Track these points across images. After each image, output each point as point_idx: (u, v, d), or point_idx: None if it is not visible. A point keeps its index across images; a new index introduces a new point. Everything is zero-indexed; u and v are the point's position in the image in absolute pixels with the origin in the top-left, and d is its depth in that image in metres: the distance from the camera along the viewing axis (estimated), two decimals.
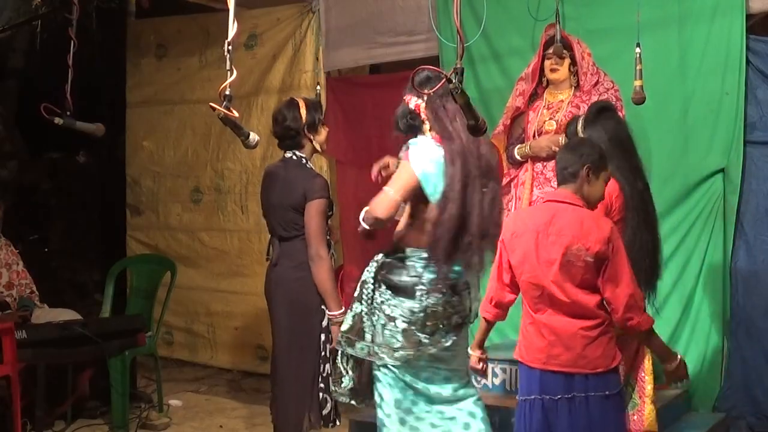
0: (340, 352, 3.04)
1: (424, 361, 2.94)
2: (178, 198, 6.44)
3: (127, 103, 6.63)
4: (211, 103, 2.50)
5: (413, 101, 3.06)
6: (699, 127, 4.35)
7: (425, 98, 2.97)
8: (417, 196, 2.93)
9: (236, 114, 2.52)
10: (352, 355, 3.03)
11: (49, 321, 4.34)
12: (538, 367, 2.86)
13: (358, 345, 2.97)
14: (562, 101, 4.11)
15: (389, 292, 2.95)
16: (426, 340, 2.90)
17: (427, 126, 3.03)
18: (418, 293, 2.90)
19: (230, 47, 2.45)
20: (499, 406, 3.74)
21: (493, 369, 4.17)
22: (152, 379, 5.23)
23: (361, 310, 3.00)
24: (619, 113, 3.97)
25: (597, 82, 4.07)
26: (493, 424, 3.13)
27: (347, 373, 3.06)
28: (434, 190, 2.89)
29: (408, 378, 2.95)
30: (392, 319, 2.92)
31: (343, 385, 3.07)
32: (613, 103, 4.00)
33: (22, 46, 6.08)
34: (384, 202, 2.93)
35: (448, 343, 2.92)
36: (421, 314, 2.89)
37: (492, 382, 4.25)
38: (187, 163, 6.37)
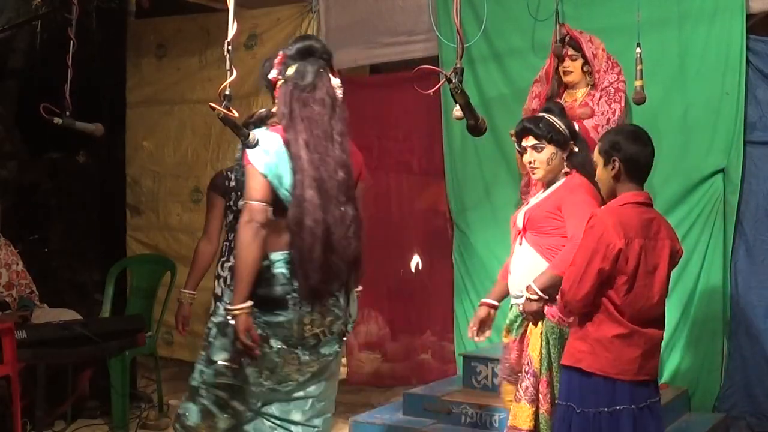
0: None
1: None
2: (178, 198, 6.44)
3: (127, 103, 6.62)
4: (211, 103, 2.50)
5: (273, 72, 2.80)
6: (699, 127, 4.35)
7: (284, 80, 2.75)
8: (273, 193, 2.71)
9: (236, 114, 2.52)
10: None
11: (49, 321, 4.34)
12: (629, 378, 2.74)
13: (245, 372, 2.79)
14: (576, 100, 4.13)
15: (256, 309, 2.69)
16: (306, 357, 2.76)
17: (273, 109, 2.84)
18: (289, 302, 2.70)
19: (230, 47, 2.45)
20: (499, 406, 3.74)
21: (493, 369, 4.18)
22: (152, 379, 5.23)
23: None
24: (617, 104, 4.00)
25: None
26: (493, 423, 3.15)
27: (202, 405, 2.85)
28: (279, 183, 2.69)
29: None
30: (265, 339, 2.71)
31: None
32: (611, 93, 4.02)
33: (22, 46, 6.07)
34: (250, 211, 2.66)
35: (330, 355, 2.83)
36: (296, 324, 2.71)
37: (492, 382, 4.26)
38: (187, 163, 6.37)
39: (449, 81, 2.61)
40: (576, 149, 3.31)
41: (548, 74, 4.25)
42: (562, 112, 3.38)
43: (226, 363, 2.75)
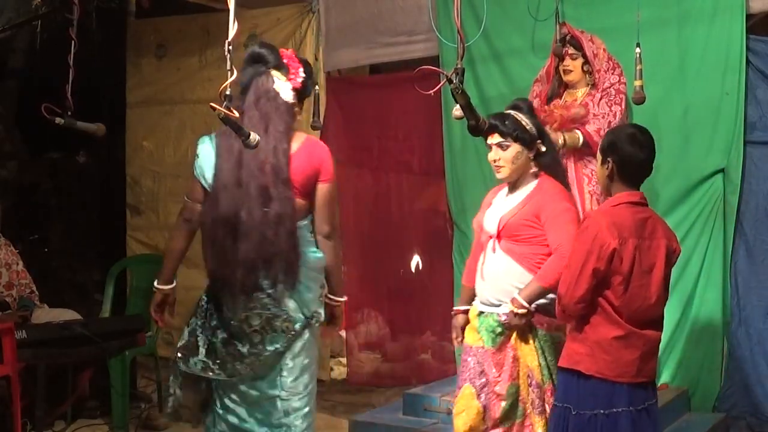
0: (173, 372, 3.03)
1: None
2: (178, 198, 6.40)
3: (127, 103, 6.63)
4: (212, 103, 2.49)
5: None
6: (699, 127, 4.35)
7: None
8: None
9: (236, 114, 2.52)
10: (183, 373, 3.00)
11: (49, 321, 4.34)
12: (627, 380, 2.73)
13: (192, 360, 2.96)
14: (576, 99, 4.13)
15: (210, 302, 2.98)
16: (246, 349, 2.89)
17: None
18: (227, 299, 2.92)
19: (230, 47, 2.45)
20: None
21: None
22: (152, 379, 5.23)
23: (196, 324, 2.99)
24: (618, 107, 3.99)
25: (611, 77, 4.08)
26: None
27: (174, 393, 3.04)
28: (200, 172, 2.98)
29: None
30: (215, 330, 2.94)
31: (168, 405, 3.05)
32: (612, 95, 4.01)
33: (22, 46, 6.08)
34: (183, 205, 3.08)
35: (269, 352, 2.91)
36: (236, 320, 2.88)
37: None
38: (187, 163, 6.28)
39: (450, 81, 2.61)
40: (543, 149, 3.22)
41: (549, 73, 4.26)
42: (530, 110, 3.29)
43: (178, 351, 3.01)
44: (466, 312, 3.33)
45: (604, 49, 4.09)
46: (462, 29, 2.88)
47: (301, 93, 3.05)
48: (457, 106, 2.93)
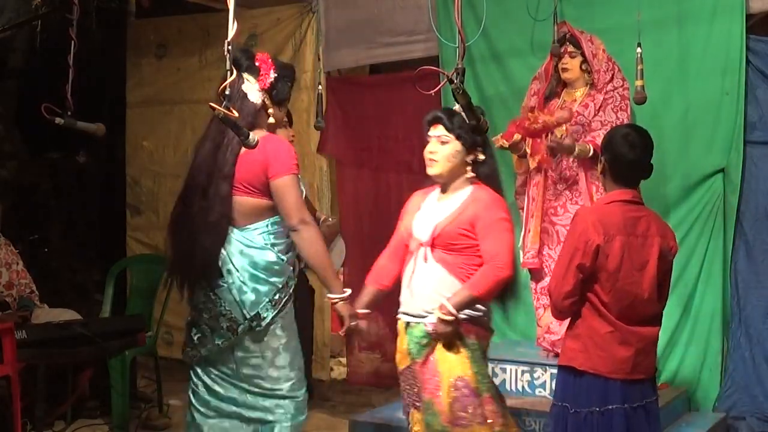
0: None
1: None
2: None
3: (127, 103, 6.62)
4: (211, 103, 2.50)
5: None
6: (699, 127, 4.36)
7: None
8: None
9: (236, 114, 2.52)
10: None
11: (49, 321, 4.34)
12: (621, 377, 2.73)
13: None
14: (575, 100, 4.12)
15: None
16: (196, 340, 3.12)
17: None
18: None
19: (230, 47, 2.45)
20: None
21: (492, 369, 4.16)
22: (152, 379, 5.22)
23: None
24: (624, 113, 3.98)
25: (611, 79, 4.07)
26: None
27: None
28: None
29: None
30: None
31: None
32: (618, 101, 4.01)
33: (22, 46, 6.08)
34: None
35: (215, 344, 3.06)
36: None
37: None
38: (187, 163, 6.32)
39: (451, 81, 2.61)
40: (482, 157, 3.09)
41: (547, 71, 4.26)
42: (481, 117, 3.09)
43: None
44: (366, 316, 3.18)
45: (603, 50, 4.09)
46: (462, 29, 2.88)
47: (274, 95, 3.10)
48: (457, 105, 2.94)
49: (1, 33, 5.60)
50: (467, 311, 2.97)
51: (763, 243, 4.29)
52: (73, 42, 3.84)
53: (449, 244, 3.01)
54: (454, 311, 2.92)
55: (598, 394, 2.75)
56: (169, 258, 3.13)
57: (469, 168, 3.09)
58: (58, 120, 3.77)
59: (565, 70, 4.14)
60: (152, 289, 5.23)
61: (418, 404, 3.10)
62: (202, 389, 3.13)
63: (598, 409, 2.74)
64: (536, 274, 4.24)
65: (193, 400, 3.15)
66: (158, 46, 6.48)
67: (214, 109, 2.48)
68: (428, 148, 3.09)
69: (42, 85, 4.45)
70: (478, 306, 3.00)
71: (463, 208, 3.04)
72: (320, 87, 4.91)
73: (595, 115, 4.05)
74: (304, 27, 5.71)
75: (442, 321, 2.93)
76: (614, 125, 3.94)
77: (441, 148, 3.06)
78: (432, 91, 3.08)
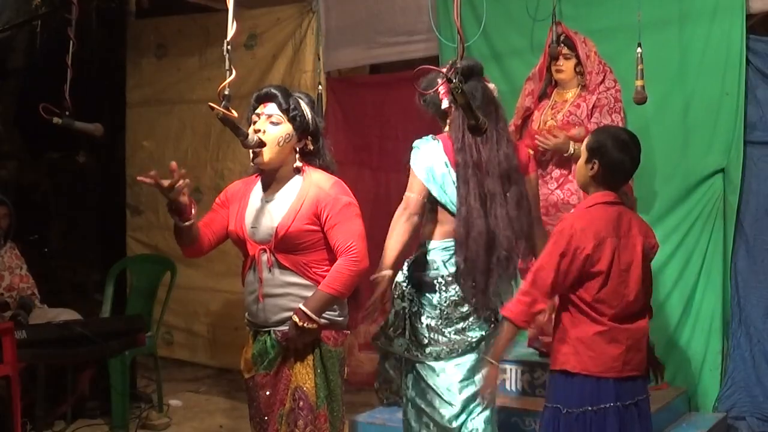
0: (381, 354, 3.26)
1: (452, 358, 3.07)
2: None
3: (127, 103, 6.63)
4: (211, 103, 2.50)
5: (445, 102, 3.12)
6: (699, 127, 4.35)
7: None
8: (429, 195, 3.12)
9: (235, 114, 2.52)
10: (389, 353, 3.22)
11: (49, 321, 4.34)
12: (613, 375, 2.74)
13: (397, 342, 3.15)
14: (566, 101, 4.11)
15: (414, 288, 3.13)
16: (453, 335, 3.05)
17: (447, 122, 3.17)
18: (437, 285, 3.06)
19: (230, 47, 2.45)
20: (499, 406, 3.73)
21: None
22: (152, 379, 5.23)
23: (403, 308, 3.14)
24: (618, 115, 3.97)
25: (603, 80, 4.06)
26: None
27: (389, 372, 3.30)
28: (440, 192, 3.09)
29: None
30: (418, 315, 3.09)
31: (387, 389, 3.35)
32: (612, 104, 4.00)
33: (22, 46, 6.08)
34: (406, 200, 3.15)
35: (475, 338, 3.05)
36: (444, 307, 3.04)
37: None
38: (187, 163, 6.35)
39: (450, 81, 2.60)
40: (311, 147, 2.89)
41: (541, 71, 4.24)
42: (315, 107, 2.98)
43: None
44: None
45: (595, 52, 4.09)
46: (462, 29, 2.88)
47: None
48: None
49: (1, 33, 5.61)
50: (326, 314, 2.81)
51: (763, 243, 4.28)
52: (72, 42, 3.84)
53: (295, 244, 2.79)
54: (314, 316, 2.74)
55: (591, 393, 2.76)
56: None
57: (297, 156, 2.87)
58: (56, 120, 3.77)
59: (559, 71, 4.12)
60: (152, 289, 5.25)
61: (265, 417, 2.90)
62: None
63: (591, 408, 2.75)
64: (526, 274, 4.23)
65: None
66: (158, 46, 6.49)
67: (213, 109, 2.48)
68: (255, 126, 2.82)
69: (42, 85, 4.44)
70: (334, 305, 2.85)
71: (301, 199, 2.81)
72: (320, 87, 4.91)
73: (590, 116, 4.03)
74: (304, 27, 5.71)
75: (297, 327, 2.74)
76: None
77: (271, 129, 2.80)
78: (431, 91, 3.08)
